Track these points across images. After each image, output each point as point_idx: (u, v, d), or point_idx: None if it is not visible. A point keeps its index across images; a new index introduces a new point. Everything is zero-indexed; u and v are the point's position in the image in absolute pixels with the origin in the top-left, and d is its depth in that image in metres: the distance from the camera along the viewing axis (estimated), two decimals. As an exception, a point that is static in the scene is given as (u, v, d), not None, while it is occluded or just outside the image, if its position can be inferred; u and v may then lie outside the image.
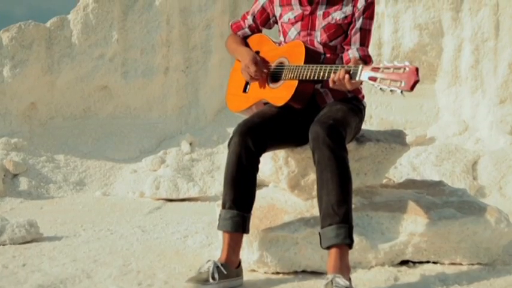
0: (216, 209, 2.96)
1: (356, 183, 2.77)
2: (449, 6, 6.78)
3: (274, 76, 2.76)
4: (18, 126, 6.52)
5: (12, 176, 5.92)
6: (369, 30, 2.75)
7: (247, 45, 2.98)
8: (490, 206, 2.84)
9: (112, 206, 5.23)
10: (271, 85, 2.76)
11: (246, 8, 7.56)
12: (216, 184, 6.21)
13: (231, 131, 6.73)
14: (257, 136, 2.47)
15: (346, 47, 2.73)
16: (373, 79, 2.34)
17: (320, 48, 2.74)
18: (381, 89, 2.33)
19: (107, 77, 6.84)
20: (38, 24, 6.55)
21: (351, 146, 2.73)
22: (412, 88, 2.24)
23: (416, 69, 2.25)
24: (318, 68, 2.51)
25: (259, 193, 2.82)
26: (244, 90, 2.91)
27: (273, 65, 2.79)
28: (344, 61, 2.72)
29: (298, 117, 2.69)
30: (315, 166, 2.40)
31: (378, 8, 6.96)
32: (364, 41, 2.73)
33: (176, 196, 5.44)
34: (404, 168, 5.53)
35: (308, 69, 2.55)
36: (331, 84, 2.43)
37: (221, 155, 6.73)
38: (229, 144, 2.51)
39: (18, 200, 5.47)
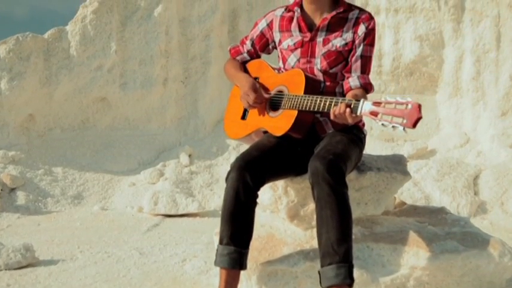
0: (214, 238, 2.90)
1: (356, 213, 2.72)
2: (450, 17, 6.72)
3: (273, 104, 2.71)
4: (15, 138, 6.47)
5: (10, 190, 5.87)
6: (370, 57, 2.70)
7: (246, 70, 2.93)
8: (493, 238, 2.78)
9: (110, 222, 5.18)
10: (270, 113, 2.71)
11: (245, 18, 7.54)
12: (215, 198, 6.17)
13: (230, 142, 6.70)
14: (255, 171, 2.42)
15: (346, 75, 2.68)
16: (375, 114, 2.29)
17: (320, 76, 2.68)
18: (382, 124, 2.27)
19: (105, 88, 6.79)
20: (35, 36, 6.50)
21: (351, 176, 2.68)
22: (414, 126, 2.19)
23: (419, 106, 2.20)
24: (318, 100, 2.46)
25: (258, 221, 2.77)
26: (243, 117, 2.86)
27: (272, 92, 2.74)
28: (344, 89, 2.67)
29: (298, 147, 2.64)
30: (314, 201, 2.35)
31: (378, 19, 6.93)
32: (365, 69, 2.68)
33: (175, 212, 5.38)
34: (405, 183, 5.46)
35: (308, 100, 2.50)
36: (332, 118, 2.38)
37: (220, 167, 6.68)
38: (226, 179, 2.46)
39: (16, 215, 5.41)
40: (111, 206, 5.98)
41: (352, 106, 2.34)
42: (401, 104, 2.26)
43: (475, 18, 6.64)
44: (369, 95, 2.71)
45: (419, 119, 2.21)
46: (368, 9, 7.09)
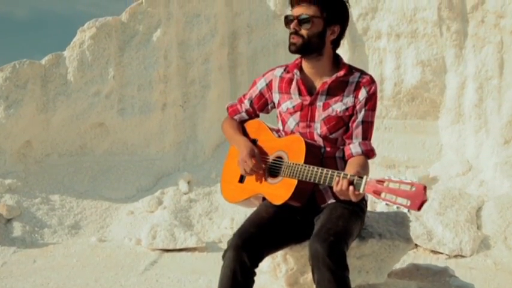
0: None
1: (357, 281, 2.65)
2: (453, 42, 6.65)
3: (272, 170, 2.63)
4: (12, 165, 6.39)
5: (6, 221, 5.79)
6: (372, 122, 2.62)
7: (244, 130, 2.85)
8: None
9: (107, 258, 5.10)
10: (269, 180, 2.63)
11: (245, 40, 7.47)
12: (214, 228, 6.10)
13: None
14: (253, 249, 2.34)
15: (347, 141, 2.60)
16: (378, 193, 2.21)
17: (320, 141, 2.60)
18: (386, 204, 2.20)
19: (103, 114, 6.72)
20: (33, 62, 6.43)
21: (352, 243, 2.60)
22: (419, 209, 2.11)
23: (424, 188, 2.12)
24: (319, 172, 2.38)
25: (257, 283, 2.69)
26: (241, 181, 2.78)
27: (271, 157, 2.66)
28: (345, 155, 2.59)
29: (297, 215, 2.57)
30: (314, 283, 2.27)
31: (380, 43, 6.86)
32: (367, 134, 2.60)
33: (173, 246, 5.30)
34: (406, 217, 5.38)
35: (308, 170, 2.42)
36: (335, 191, 2.30)
37: (219, 195, 6.58)
38: (223, 256, 2.38)
39: (11, 249, 5.33)
40: (109, 236, 5.90)
41: (354, 183, 2.26)
42: (406, 184, 2.18)
43: (477, 44, 6.56)
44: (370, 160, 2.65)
45: (424, 201, 2.13)
46: (370, 33, 7.03)
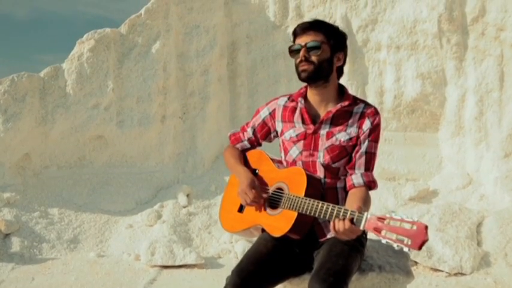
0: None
1: (357, 314, 2.62)
2: (453, 55, 6.62)
3: (272, 201, 2.62)
4: (11, 178, 6.36)
5: (4, 236, 5.76)
6: (374, 154, 2.61)
7: (245, 159, 2.84)
8: None
9: (106, 275, 5.07)
10: (268, 211, 2.62)
11: (244, 51, 7.45)
12: (213, 242, 6.06)
13: (228, 179, 6.54)
14: (251, 287, 2.32)
15: (350, 171, 2.59)
16: (378, 230, 2.19)
17: (321, 170, 2.59)
18: (386, 242, 2.17)
19: (102, 126, 6.69)
20: (31, 75, 6.40)
21: (352, 277, 2.57)
22: (419, 248, 2.09)
23: (426, 228, 2.10)
24: (320, 206, 2.36)
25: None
26: (240, 210, 2.77)
27: (271, 188, 2.64)
28: (347, 186, 2.59)
29: (296, 248, 2.57)
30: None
31: (380, 55, 6.84)
32: (369, 165, 2.59)
33: (172, 263, 5.27)
34: (407, 233, 5.36)
35: (309, 204, 2.40)
36: (332, 232, 2.27)
37: (219, 208, 6.56)
38: (222, 294, 2.36)
39: (10, 265, 5.30)
40: (108, 251, 5.87)
41: (355, 220, 2.24)
42: (407, 222, 2.16)
43: (477, 57, 6.53)
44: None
45: (425, 241, 2.11)
46: (369, 45, 7.01)
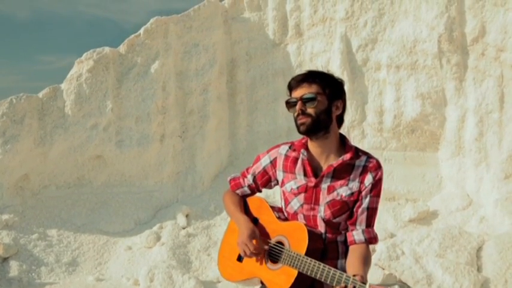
0: None
1: None
2: (453, 75, 6.60)
3: (272, 255, 2.59)
4: (9, 200, 6.34)
5: (2, 260, 5.74)
6: (376, 209, 2.58)
7: (245, 205, 2.81)
8: None
9: (104, 303, 5.06)
10: (268, 265, 2.59)
11: (244, 68, 7.43)
12: (213, 264, 6.04)
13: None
14: None
15: (350, 227, 2.56)
16: (380, 300, 2.17)
17: (322, 225, 2.56)
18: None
19: (101, 147, 6.67)
20: (30, 96, 6.38)
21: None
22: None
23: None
24: (321, 269, 2.35)
25: None
26: (239, 259, 2.75)
27: (272, 241, 2.62)
28: (348, 241, 2.56)
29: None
30: None
31: (379, 75, 6.82)
32: (371, 221, 2.57)
33: (171, 289, 5.26)
34: (406, 259, 5.34)
35: (310, 264, 2.39)
36: None
37: (218, 228, 6.56)
38: None
39: (8, 292, 5.29)
40: (107, 274, 5.85)
41: (356, 288, 2.23)
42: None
43: (477, 77, 6.51)
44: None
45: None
46: (369, 65, 6.98)
